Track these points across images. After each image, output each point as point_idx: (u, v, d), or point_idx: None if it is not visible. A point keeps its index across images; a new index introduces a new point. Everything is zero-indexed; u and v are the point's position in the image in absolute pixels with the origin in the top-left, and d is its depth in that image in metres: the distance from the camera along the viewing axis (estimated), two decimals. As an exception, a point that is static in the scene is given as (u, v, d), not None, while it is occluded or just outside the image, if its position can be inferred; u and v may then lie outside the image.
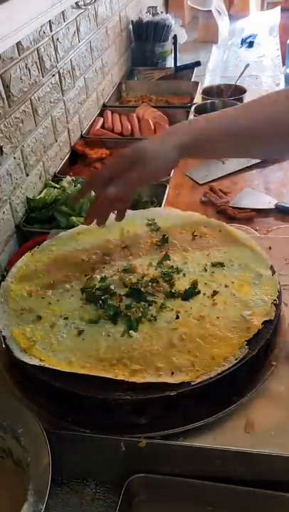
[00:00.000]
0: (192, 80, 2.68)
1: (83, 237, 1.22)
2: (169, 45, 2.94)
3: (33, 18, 1.32)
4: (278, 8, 3.93)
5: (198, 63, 2.78)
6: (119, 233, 1.22)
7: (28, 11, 1.29)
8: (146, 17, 2.94)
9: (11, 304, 1.04)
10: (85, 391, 0.85)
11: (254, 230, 1.50)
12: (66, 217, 1.58)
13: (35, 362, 0.90)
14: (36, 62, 1.66)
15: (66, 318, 0.99)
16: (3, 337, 0.96)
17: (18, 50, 1.52)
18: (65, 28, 1.90)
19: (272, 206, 1.63)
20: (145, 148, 0.99)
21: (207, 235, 1.18)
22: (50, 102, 1.80)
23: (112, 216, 1.13)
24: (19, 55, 1.53)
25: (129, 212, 1.25)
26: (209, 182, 1.83)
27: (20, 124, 1.57)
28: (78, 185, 1.72)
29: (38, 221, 1.61)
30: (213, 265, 1.08)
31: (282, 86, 2.74)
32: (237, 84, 2.33)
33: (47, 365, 0.89)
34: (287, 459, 0.82)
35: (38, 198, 1.67)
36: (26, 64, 1.58)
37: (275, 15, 3.85)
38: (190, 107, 2.31)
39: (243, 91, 2.27)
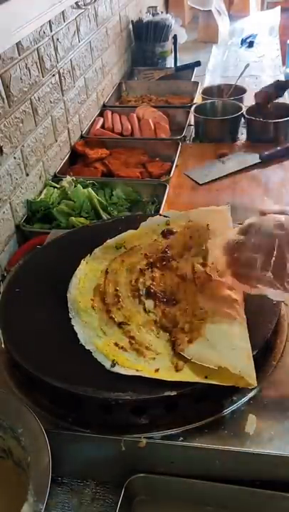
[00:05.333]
0: (192, 80, 2.69)
1: (133, 241, 1.16)
2: (169, 45, 2.94)
3: (33, 18, 1.32)
4: (278, 8, 3.93)
5: (198, 63, 2.78)
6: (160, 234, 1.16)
7: (28, 11, 1.30)
8: (147, 17, 2.94)
9: (83, 316, 0.98)
10: (85, 391, 0.85)
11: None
12: (66, 217, 1.59)
13: (132, 372, 0.86)
14: (36, 62, 1.66)
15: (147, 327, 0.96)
16: (88, 350, 0.91)
17: (18, 50, 1.52)
18: (65, 28, 1.90)
19: None
20: None
21: None
22: (50, 102, 1.80)
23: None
24: (19, 55, 1.53)
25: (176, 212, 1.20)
26: (209, 182, 1.83)
27: (20, 124, 1.57)
28: (78, 185, 1.72)
29: (38, 221, 1.61)
30: None
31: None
32: (237, 84, 2.33)
33: (147, 375, 0.85)
34: (287, 458, 0.82)
35: (38, 200, 1.67)
36: (26, 64, 1.58)
37: (275, 15, 3.85)
38: (190, 106, 2.31)
39: (243, 91, 2.27)
